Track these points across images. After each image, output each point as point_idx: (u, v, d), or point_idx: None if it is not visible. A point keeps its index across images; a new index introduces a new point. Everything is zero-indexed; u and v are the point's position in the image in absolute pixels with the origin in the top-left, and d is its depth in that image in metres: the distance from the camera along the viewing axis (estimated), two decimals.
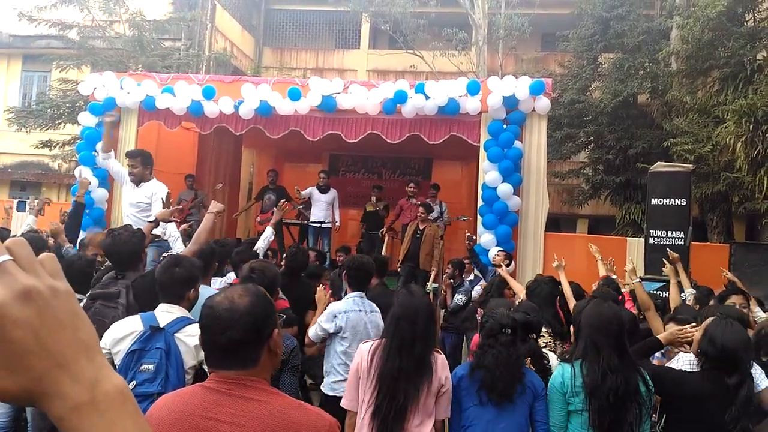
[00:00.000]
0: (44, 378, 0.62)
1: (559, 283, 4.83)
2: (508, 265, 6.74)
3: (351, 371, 3.03)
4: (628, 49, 14.12)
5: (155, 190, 5.74)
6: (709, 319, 3.05)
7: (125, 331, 2.75)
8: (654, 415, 3.06)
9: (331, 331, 3.99)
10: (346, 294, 4.27)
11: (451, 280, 7.28)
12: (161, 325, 2.71)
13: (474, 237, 7.71)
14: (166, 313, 2.80)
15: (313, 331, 4.09)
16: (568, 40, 15.65)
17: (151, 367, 2.58)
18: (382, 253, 8.75)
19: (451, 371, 3.15)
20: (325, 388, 4.09)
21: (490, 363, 3.00)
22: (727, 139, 9.64)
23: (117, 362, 2.63)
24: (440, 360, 3.02)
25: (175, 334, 2.72)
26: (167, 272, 2.91)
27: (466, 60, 16.76)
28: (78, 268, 3.81)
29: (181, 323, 2.78)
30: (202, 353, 2.69)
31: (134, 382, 2.52)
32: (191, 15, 15.58)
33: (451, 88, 8.16)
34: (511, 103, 8.04)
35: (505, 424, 2.96)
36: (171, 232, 5.09)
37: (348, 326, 3.98)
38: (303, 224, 10.75)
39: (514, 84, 8.02)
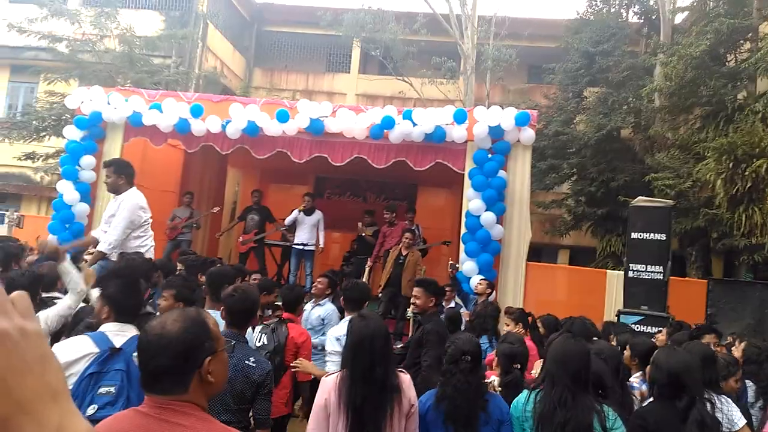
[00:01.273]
0: (7, 424, 0.60)
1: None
2: (489, 294, 6.76)
3: (318, 407, 2.92)
4: (612, 84, 14.40)
5: (122, 201, 5.47)
6: (657, 350, 3.16)
7: (78, 353, 2.63)
8: None
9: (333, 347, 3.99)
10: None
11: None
12: (117, 346, 2.63)
13: (457, 264, 7.73)
14: (118, 333, 2.72)
15: (332, 366, 4.00)
16: (554, 73, 15.94)
17: (112, 389, 2.50)
18: (364, 280, 8.71)
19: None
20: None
21: (450, 393, 3.02)
22: (708, 176, 9.82)
23: (70, 386, 2.56)
24: (406, 380, 2.98)
25: (134, 354, 2.65)
26: (134, 291, 2.87)
27: (453, 88, 16.97)
28: (20, 286, 3.78)
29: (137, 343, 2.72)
30: None
31: (95, 406, 2.43)
32: (183, 33, 15.60)
33: (439, 115, 8.24)
34: (496, 132, 8.14)
35: None
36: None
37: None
38: (285, 245, 10.71)
39: (500, 114, 8.13)
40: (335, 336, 4.07)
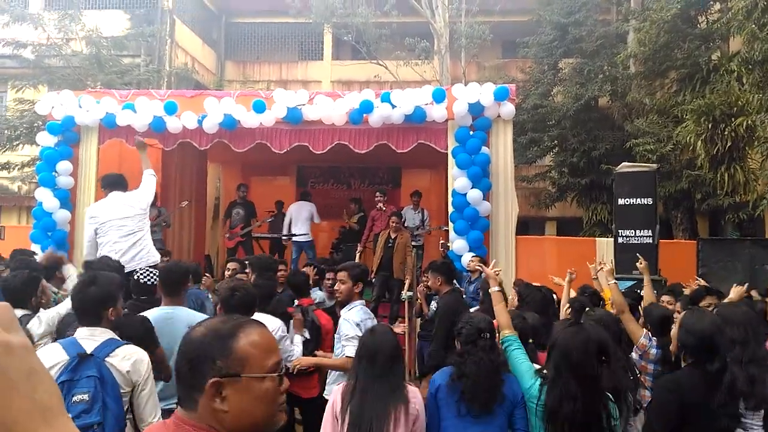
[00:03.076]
0: None
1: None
2: (482, 271, 6.73)
3: (327, 410, 2.96)
4: (587, 54, 14.38)
5: None
6: (682, 313, 3.10)
7: (48, 362, 2.53)
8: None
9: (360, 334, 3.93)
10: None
11: (426, 289, 7.24)
12: (88, 351, 2.56)
13: (448, 244, 7.69)
14: (89, 339, 2.64)
15: (351, 349, 3.89)
16: (528, 46, 15.88)
17: (86, 397, 2.44)
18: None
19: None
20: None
21: (471, 371, 2.96)
22: (688, 138, 9.87)
23: None
24: (410, 392, 2.95)
25: (106, 359, 2.57)
26: (81, 292, 2.76)
27: (429, 69, 16.88)
28: (13, 287, 3.70)
29: (109, 347, 2.63)
30: (136, 377, 2.59)
31: (70, 415, 2.37)
32: (150, 30, 15.32)
33: (417, 96, 8.18)
34: (476, 109, 8.09)
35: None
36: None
37: None
38: (273, 237, 10.67)
39: (478, 91, 8.08)
40: (356, 321, 3.99)
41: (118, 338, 2.74)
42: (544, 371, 2.95)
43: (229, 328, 1.41)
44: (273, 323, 3.99)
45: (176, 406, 1.43)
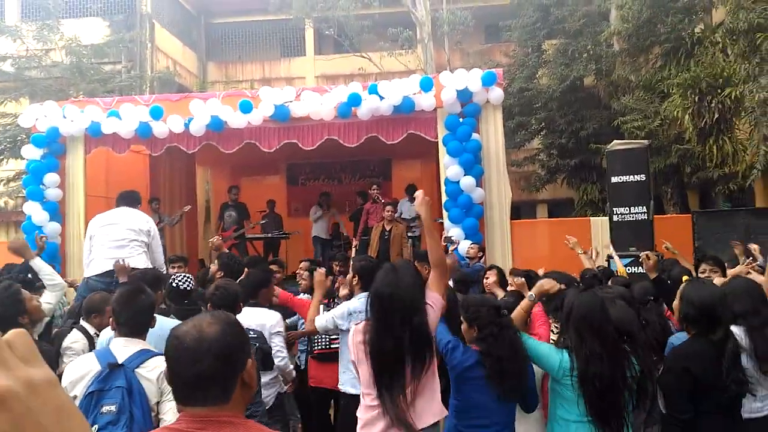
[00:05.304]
0: None
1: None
2: (481, 257, 6.72)
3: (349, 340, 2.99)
4: (570, 34, 14.34)
5: None
6: (683, 284, 3.09)
7: (81, 371, 2.56)
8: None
9: (344, 329, 3.86)
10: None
11: None
12: (119, 361, 2.54)
13: (452, 237, 7.46)
14: (123, 348, 2.62)
15: (322, 322, 3.98)
16: (511, 29, 15.82)
17: (113, 408, 2.41)
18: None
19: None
20: (345, 385, 3.97)
21: (503, 352, 2.91)
22: (675, 113, 9.88)
23: None
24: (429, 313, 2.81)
25: (136, 370, 2.53)
26: (130, 301, 2.73)
27: (413, 58, 16.81)
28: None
29: (141, 357, 2.60)
30: (165, 384, 2.52)
31: (96, 426, 2.35)
32: (129, 36, 15.18)
33: (405, 86, 8.13)
34: (465, 96, 8.06)
35: (505, 412, 3.00)
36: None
37: None
38: (266, 238, 10.63)
39: (466, 77, 8.05)
40: (348, 309, 3.93)
41: (153, 349, 2.70)
42: (563, 339, 2.98)
43: (229, 317, 1.61)
44: (269, 318, 3.98)
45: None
